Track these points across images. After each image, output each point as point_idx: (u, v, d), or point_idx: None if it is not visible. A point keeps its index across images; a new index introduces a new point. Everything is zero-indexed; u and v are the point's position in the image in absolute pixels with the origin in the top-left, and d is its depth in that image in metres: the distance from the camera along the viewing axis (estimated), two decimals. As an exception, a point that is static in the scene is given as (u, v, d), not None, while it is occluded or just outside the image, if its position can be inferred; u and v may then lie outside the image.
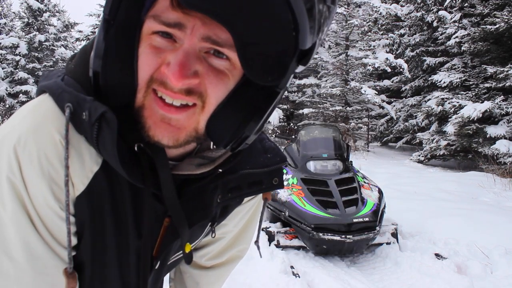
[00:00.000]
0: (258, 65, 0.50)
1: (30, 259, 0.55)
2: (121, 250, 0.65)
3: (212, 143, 0.66)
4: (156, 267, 0.71)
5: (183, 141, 0.56)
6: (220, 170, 0.65)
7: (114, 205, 0.61)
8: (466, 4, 11.84)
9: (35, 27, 18.97)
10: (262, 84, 0.53)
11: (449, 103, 10.43)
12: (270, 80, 0.52)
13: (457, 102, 10.16)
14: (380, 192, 4.17)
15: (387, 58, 13.25)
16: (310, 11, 0.46)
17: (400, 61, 13.49)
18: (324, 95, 14.76)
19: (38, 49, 18.58)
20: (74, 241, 0.61)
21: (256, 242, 0.88)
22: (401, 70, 13.56)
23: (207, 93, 0.53)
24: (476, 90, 10.46)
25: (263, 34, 0.48)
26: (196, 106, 0.54)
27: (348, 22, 13.63)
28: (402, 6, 15.97)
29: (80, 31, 22.40)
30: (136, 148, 0.58)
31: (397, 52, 16.41)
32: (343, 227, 3.58)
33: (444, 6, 13.13)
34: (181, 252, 0.79)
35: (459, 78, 11.38)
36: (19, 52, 17.79)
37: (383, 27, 17.22)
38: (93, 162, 0.58)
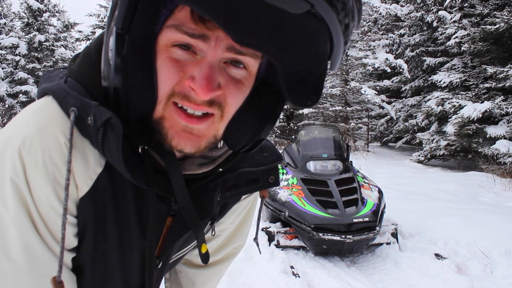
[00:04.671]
0: (301, 91, 0.54)
1: (29, 260, 0.55)
2: (123, 250, 0.65)
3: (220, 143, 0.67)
4: (159, 266, 0.71)
5: (204, 148, 0.58)
6: (221, 169, 0.66)
7: (117, 205, 0.61)
8: (466, 4, 11.85)
9: (35, 27, 18.94)
10: (303, 107, 0.57)
11: (449, 103, 10.43)
12: (309, 104, 0.55)
13: (457, 102, 10.16)
14: (380, 192, 4.16)
15: (387, 58, 13.27)
16: (346, 39, 0.50)
17: (400, 61, 13.50)
18: (324, 95, 14.74)
19: (38, 49, 18.56)
20: (75, 242, 0.61)
21: (255, 239, 0.90)
22: (401, 70, 13.57)
23: (226, 102, 0.56)
24: (476, 90, 10.46)
25: (306, 65, 0.51)
26: (215, 115, 0.56)
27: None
28: (402, 6, 15.98)
29: (80, 31, 22.36)
30: (140, 150, 0.59)
31: (397, 52, 16.42)
32: (343, 227, 3.58)
33: (444, 6, 13.14)
34: (181, 251, 0.80)
35: (459, 78, 11.38)
36: (19, 52, 17.77)
37: (383, 27, 17.23)
38: (96, 163, 0.58)
